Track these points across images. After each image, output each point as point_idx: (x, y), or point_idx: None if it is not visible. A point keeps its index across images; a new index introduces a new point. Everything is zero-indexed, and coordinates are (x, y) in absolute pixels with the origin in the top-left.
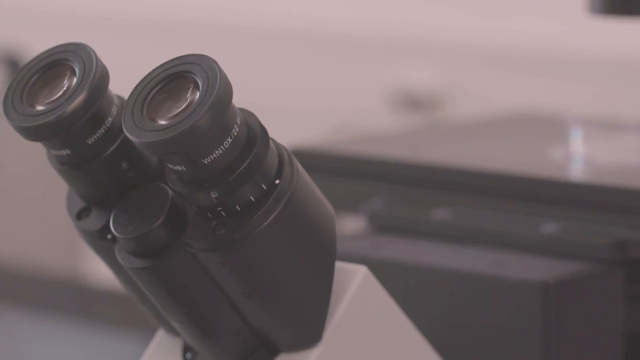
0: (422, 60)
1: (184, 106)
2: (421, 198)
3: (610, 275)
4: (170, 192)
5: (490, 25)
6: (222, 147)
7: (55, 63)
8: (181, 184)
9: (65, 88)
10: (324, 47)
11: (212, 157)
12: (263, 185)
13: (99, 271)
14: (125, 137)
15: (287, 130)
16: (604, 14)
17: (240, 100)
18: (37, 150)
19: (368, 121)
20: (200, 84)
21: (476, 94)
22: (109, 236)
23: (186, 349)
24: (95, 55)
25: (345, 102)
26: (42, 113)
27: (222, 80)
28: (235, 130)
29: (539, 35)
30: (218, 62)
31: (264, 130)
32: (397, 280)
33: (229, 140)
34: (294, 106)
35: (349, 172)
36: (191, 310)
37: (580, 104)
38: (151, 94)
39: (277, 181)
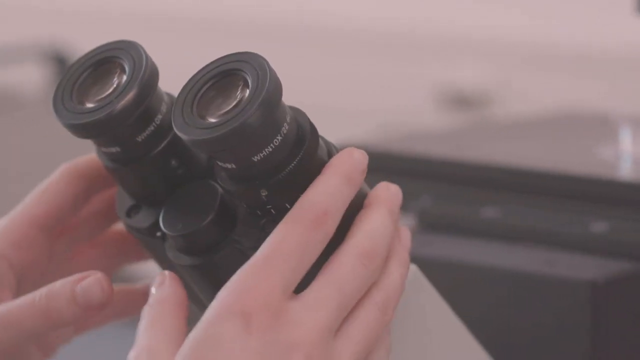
0: (470, 59)
1: (234, 104)
2: (470, 196)
3: None
4: (220, 189)
5: (538, 24)
6: (272, 144)
7: (105, 60)
8: (231, 181)
9: (115, 85)
10: (373, 46)
11: (262, 154)
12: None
13: (145, 268)
14: (175, 134)
15: (335, 128)
16: None
17: (287, 98)
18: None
19: (416, 119)
20: (250, 81)
21: (524, 92)
22: (158, 234)
23: None
24: (145, 53)
25: (393, 101)
26: (92, 110)
27: (272, 78)
28: (285, 128)
29: (587, 34)
30: (267, 60)
31: (313, 128)
32: (446, 279)
33: (279, 138)
34: (342, 104)
35: (398, 170)
36: None
37: (628, 102)
38: (201, 92)
39: None
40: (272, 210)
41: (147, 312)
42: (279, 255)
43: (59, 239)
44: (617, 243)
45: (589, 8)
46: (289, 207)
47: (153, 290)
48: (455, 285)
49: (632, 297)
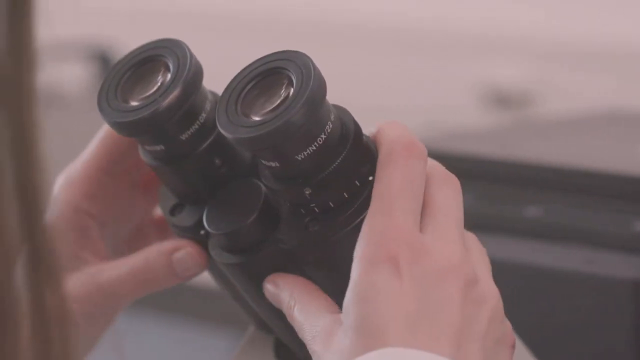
0: (512, 58)
1: (277, 102)
2: (513, 195)
3: None
4: (264, 188)
5: (580, 23)
6: (315, 143)
7: (150, 59)
8: (274, 180)
9: (159, 84)
10: (415, 45)
11: (305, 153)
12: (357, 182)
13: None
14: (219, 133)
15: None
16: None
17: (332, 97)
18: None
19: (457, 118)
20: (294, 80)
21: (566, 91)
22: (202, 232)
23: (278, 346)
24: (190, 51)
25: (435, 100)
26: (137, 109)
27: (316, 77)
28: (329, 127)
29: (629, 32)
30: (312, 59)
31: (357, 127)
32: None
33: (323, 136)
34: (384, 103)
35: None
36: None
37: None
38: (245, 90)
39: (370, 178)
40: (316, 209)
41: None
42: (394, 194)
43: (123, 184)
44: None
45: (631, 7)
46: (332, 205)
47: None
48: (498, 284)
49: None
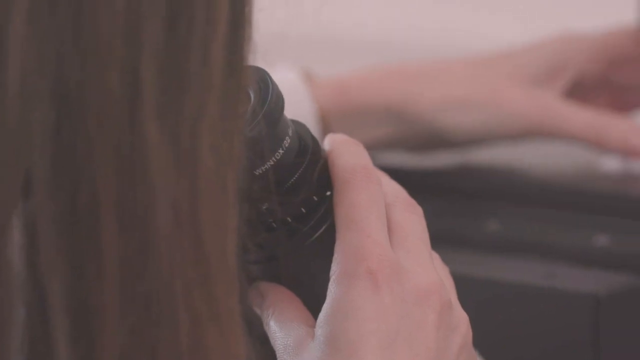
0: None
1: None
2: (472, 210)
3: None
4: None
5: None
6: (273, 158)
7: None
8: None
9: None
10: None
11: (263, 168)
12: (314, 197)
13: None
14: None
15: None
16: None
17: None
18: None
19: None
20: (252, 95)
21: None
22: None
23: None
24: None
25: None
26: None
27: (274, 92)
28: (287, 142)
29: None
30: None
31: (315, 142)
32: None
33: (280, 151)
34: None
35: (400, 183)
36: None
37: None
38: None
39: (328, 193)
40: (273, 224)
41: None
42: (363, 213)
43: None
44: (619, 256)
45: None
46: (290, 220)
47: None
48: (459, 298)
49: (634, 310)
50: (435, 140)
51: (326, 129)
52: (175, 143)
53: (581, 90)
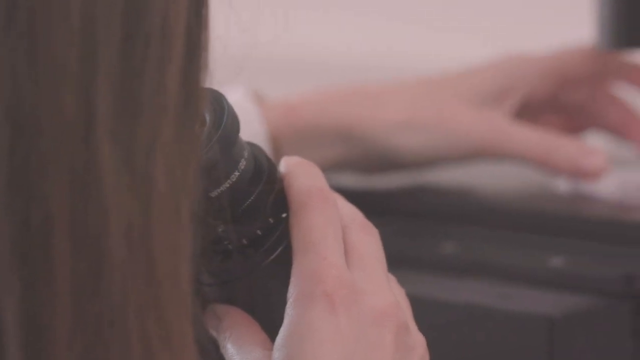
0: None
1: None
2: (428, 231)
3: (617, 309)
4: None
5: None
6: (229, 180)
7: None
8: None
9: None
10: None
11: (219, 190)
12: (270, 219)
13: None
14: None
15: None
16: (613, 47)
17: None
18: None
19: None
20: (207, 118)
21: None
22: None
23: None
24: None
25: None
26: None
27: (230, 114)
28: (243, 164)
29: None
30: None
31: (271, 164)
32: None
33: (236, 174)
34: None
35: (356, 205)
36: None
37: (586, 138)
38: None
39: (284, 215)
40: (229, 247)
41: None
42: (320, 236)
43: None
44: (575, 278)
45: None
46: (245, 242)
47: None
48: (414, 320)
49: (590, 331)
50: (387, 161)
51: (277, 150)
52: (130, 166)
53: (531, 110)
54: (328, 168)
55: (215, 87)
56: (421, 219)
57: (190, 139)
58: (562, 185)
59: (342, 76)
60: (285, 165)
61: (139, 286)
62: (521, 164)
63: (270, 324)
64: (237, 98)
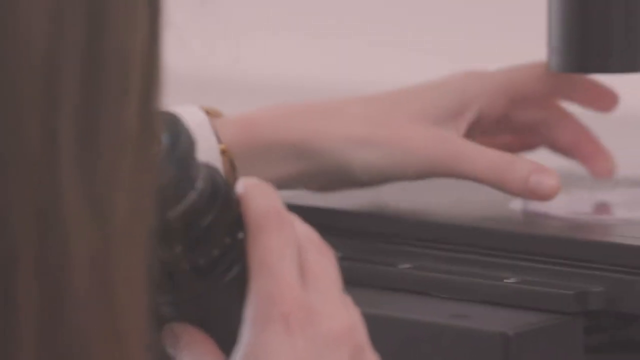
0: None
1: None
2: (384, 250)
3: (571, 327)
4: None
5: None
6: (185, 201)
7: None
8: None
9: None
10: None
11: (176, 211)
12: (227, 240)
13: None
14: None
15: None
16: (563, 70)
17: None
18: None
19: None
20: (162, 140)
21: None
22: None
23: None
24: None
25: None
26: None
27: (185, 136)
28: (199, 185)
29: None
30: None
31: (227, 185)
32: None
33: (193, 195)
34: None
35: (313, 224)
36: None
37: (538, 157)
38: None
39: (241, 236)
40: (187, 267)
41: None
42: (276, 258)
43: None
44: (529, 295)
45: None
46: (202, 263)
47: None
48: (370, 338)
49: (543, 349)
50: (341, 178)
51: (232, 167)
52: (92, 197)
53: (485, 129)
54: (284, 184)
55: (171, 107)
56: (376, 237)
57: (149, 166)
58: (516, 203)
59: (299, 99)
60: (242, 186)
61: (101, 316)
62: (475, 183)
63: (227, 343)
64: (191, 115)
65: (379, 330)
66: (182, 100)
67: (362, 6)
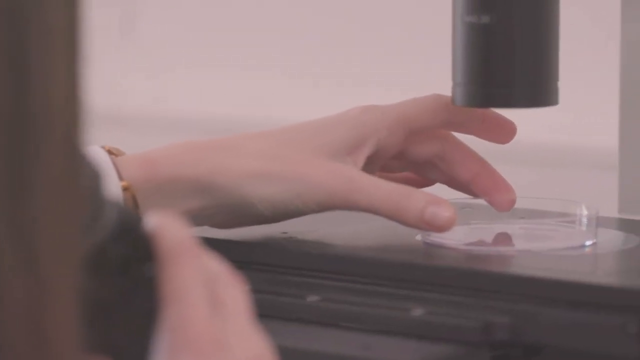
0: None
1: None
2: (292, 282)
3: (476, 358)
4: None
5: None
6: (94, 235)
7: None
8: None
9: None
10: None
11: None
12: (137, 272)
13: None
14: None
15: None
16: (467, 105)
17: None
18: None
19: None
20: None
21: None
22: None
23: None
24: None
25: None
26: None
27: (92, 172)
28: (107, 218)
29: None
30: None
31: (137, 219)
32: None
33: (101, 229)
34: None
35: (222, 257)
36: None
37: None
38: None
39: (152, 268)
40: (101, 300)
41: None
42: (187, 290)
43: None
44: (434, 327)
45: None
46: (117, 295)
47: None
48: None
49: None
50: (244, 213)
51: (134, 203)
52: (21, 245)
53: (384, 164)
54: (188, 220)
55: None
56: (285, 270)
57: (73, 209)
58: (418, 235)
59: (219, 134)
60: (152, 219)
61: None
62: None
63: None
64: (92, 153)
65: None
66: (103, 137)
67: (282, 41)
